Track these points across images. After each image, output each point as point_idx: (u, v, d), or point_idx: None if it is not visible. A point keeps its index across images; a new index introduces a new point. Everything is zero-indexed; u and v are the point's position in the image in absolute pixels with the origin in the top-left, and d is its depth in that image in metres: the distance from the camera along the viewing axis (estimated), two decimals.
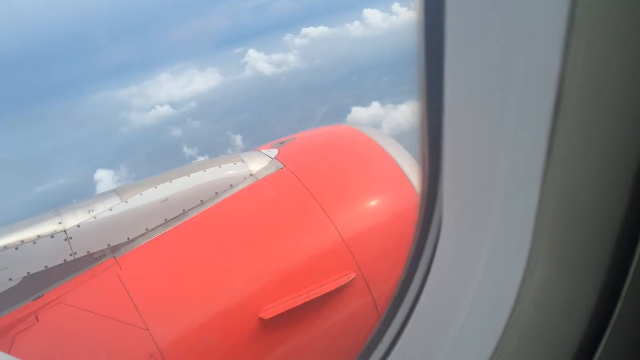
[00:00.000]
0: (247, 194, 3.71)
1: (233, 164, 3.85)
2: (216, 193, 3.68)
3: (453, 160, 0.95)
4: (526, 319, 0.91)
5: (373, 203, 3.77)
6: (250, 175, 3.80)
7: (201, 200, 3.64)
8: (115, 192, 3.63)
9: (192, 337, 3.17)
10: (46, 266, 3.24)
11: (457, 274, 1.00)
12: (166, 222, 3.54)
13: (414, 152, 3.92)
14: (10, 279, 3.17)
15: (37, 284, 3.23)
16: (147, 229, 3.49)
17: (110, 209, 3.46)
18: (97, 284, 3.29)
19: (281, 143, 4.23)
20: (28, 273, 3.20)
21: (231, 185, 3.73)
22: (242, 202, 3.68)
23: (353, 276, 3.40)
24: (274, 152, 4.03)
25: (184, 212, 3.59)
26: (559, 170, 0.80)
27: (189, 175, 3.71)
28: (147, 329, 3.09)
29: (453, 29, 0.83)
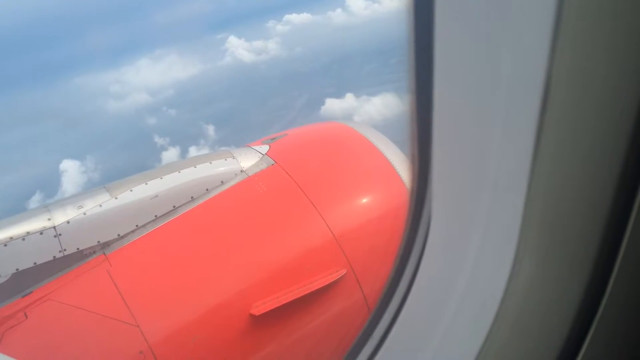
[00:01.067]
0: (238, 190, 3.70)
1: (224, 160, 3.85)
2: (207, 189, 3.67)
3: (442, 158, 0.95)
4: (514, 313, 0.93)
5: (364, 199, 3.78)
6: (241, 171, 3.80)
7: (192, 197, 3.63)
8: (105, 188, 3.61)
9: (182, 333, 3.17)
10: (35, 263, 3.22)
11: (446, 270, 1.01)
12: (156, 218, 3.53)
13: (400, 147, 3.94)
14: None
15: (26, 280, 3.21)
16: (137, 226, 3.48)
17: (100, 205, 3.45)
18: (87, 281, 3.28)
19: (272, 139, 4.23)
20: (17, 270, 3.18)
21: (222, 182, 3.72)
22: (233, 199, 3.68)
23: (344, 272, 3.41)
24: (265, 148, 4.03)
25: (175, 209, 3.58)
26: (546, 167, 0.81)
27: (179, 172, 3.70)
28: (137, 326, 3.09)
29: (442, 25, 0.83)
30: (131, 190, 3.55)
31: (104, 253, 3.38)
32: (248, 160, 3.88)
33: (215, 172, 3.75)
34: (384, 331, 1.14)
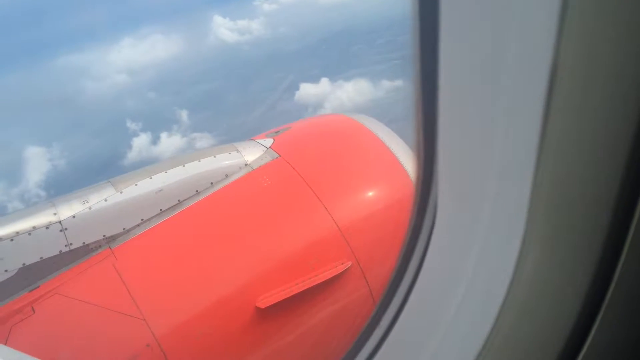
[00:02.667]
0: (243, 183, 3.70)
1: (228, 153, 3.85)
2: (211, 183, 3.68)
3: (448, 148, 0.95)
4: (521, 302, 0.92)
5: (368, 192, 3.77)
6: (246, 165, 3.80)
7: (196, 190, 3.63)
8: (110, 182, 3.62)
9: (188, 326, 3.18)
10: (42, 257, 3.23)
11: (453, 260, 1.01)
12: (162, 212, 3.54)
13: (408, 140, 3.92)
14: (5, 271, 3.17)
15: (33, 275, 3.23)
16: (142, 220, 3.49)
17: (105, 200, 3.46)
18: (93, 275, 3.29)
19: (276, 132, 4.23)
20: (24, 264, 3.20)
21: (226, 175, 3.72)
22: (237, 192, 3.68)
23: (349, 264, 3.41)
24: (269, 141, 4.03)
25: (180, 203, 3.58)
26: (552, 156, 0.80)
27: (184, 166, 3.71)
28: (144, 319, 3.10)
29: (448, 11, 0.83)
30: (136, 185, 3.56)
31: (109, 247, 3.40)
32: (252, 153, 3.88)
33: (220, 166, 3.75)
34: (390, 322, 1.14)
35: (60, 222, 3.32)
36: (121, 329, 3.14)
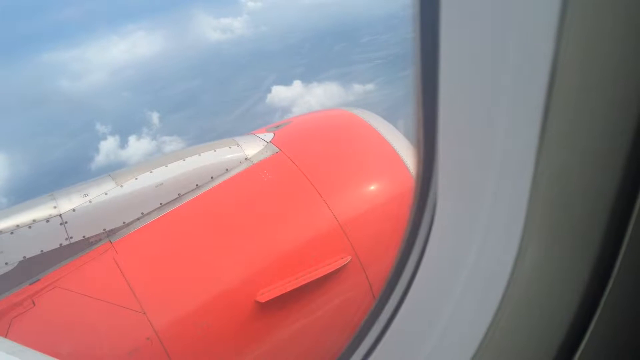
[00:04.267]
0: (243, 178, 3.71)
1: (228, 148, 3.85)
2: (212, 177, 3.68)
3: (448, 144, 0.95)
4: (519, 298, 0.93)
5: (368, 187, 3.78)
6: (246, 159, 3.80)
7: (197, 185, 3.63)
8: (110, 176, 3.62)
9: (188, 320, 3.19)
10: (42, 250, 3.24)
11: (452, 255, 1.01)
12: (162, 206, 3.54)
13: (408, 135, 3.91)
14: (6, 263, 3.17)
15: (33, 268, 3.23)
16: (142, 213, 3.49)
17: (106, 193, 3.46)
18: (93, 268, 3.30)
19: (276, 127, 4.22)
20: (24, 257, 3.20)
21: (227, 170, 3.72)
22: (237, 186, 3.68)
23: (349, 259, 3.42)
24: (269, 136, 4.02)
25: (180, 197, 3.59)
26: (551, 152, 0.81)
27: (184, 160, 3.71)
28: (144, 312, 3.11)
29: (449, 9, 0.83)
30: (136, 179, 3.56)
31: (109, 240, 3.40)
32: (253, 148, 3.88)
33: (220, 160, 3.75)
34: (389, 316, 1.15)
35: (60, 215, 3.32)
36: (121, 322, 3.15)
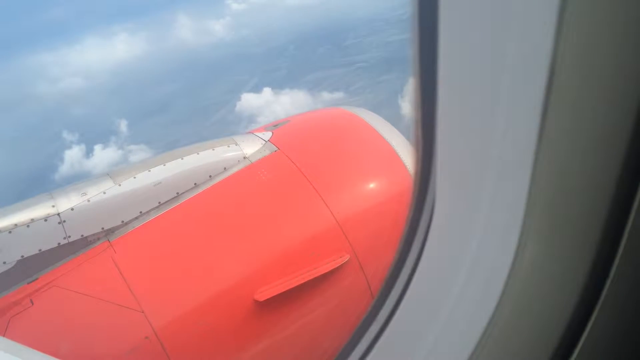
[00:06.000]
0: (241, 177, 3.70)
1: (227, 146, 3.84)
2: (210, 176, 3.67)
3: (446, 142, 0.95)
4: (518, 295, 0.93)
5: (367, 185, 3.78)
6: (244, 158, 3.79)
7: (195, 183, 3.63)
8: (108, 175, 3.62)
9: (186, 319, 3.19)
10: (40, 249, 3.23)
11: (450, 254, 1.01)
12: (160, 205, 3.54)
13: (406, 134, 3.92)
14: (4, 262, 3.17)
15: (31, 267, 3.23)
16: (141, 212, 3.49)
17: (104, 192, 3.45)
18: (92, 267, 3.30)
19: (275, 126, 4.22)
20: (22, 256, 3.20)
21: (225, 168, 3.72)
22: (236, 185, 3.68)
23: (347, 258, 3.42)
24: (267, 134, 4.02)
25: (178, 195, 3.58)
26: (550, 149, 0.81)
27: (182, 159, 3.71)
28: (142, 312, 3.11)
29: (447, 6, 0.83)
30: (134, 177, 3.56)
31: (108, 240, 3.40)
32: (251, 146, 3.87)
33: (218, 159, 3.75)
34: (388, 315, 1.15)
35: (58, 214, 3.32)
36: (119, 321, 3.15)
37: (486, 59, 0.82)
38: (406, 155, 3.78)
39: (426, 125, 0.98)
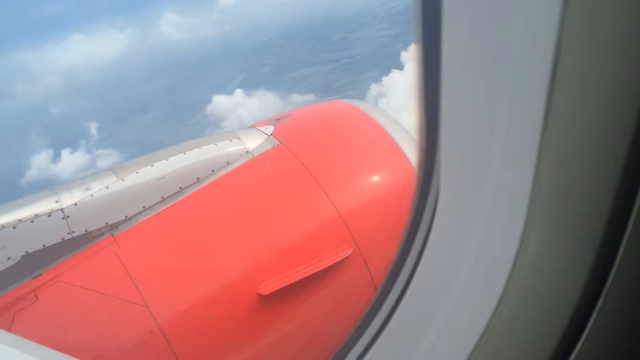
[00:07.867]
0: (244, 171, 3.70)
1: (229, 141, 3.84)
2: (213, 170, 3.68)
3: (450, 135, 0.95)
4: (521, 289, 0.93)
5: (369, 178, 3.78)
6: (247, 152, 3.79)
7: (198, 178, 3.64)
8: (111, 170, 3.62)
9: (190, 313, 3.20)
10: (44, 245, 3.25)
11: (453, 247, 1.01)
12: (163, 199, 3.54)
13: (409, 127, 3.91)
14: (8, 258, 3.18)
15: (35, 262, 3.24)
16: (144, 207, 3.50)
17: (107, 188, 3.46)
18: (96, 262, 3.31)
19: (277, 120, 4.22)
20: (26, 252, 3.21)
21: (228, 163, 3.72)
22: (238, 180, 3.68)
23: (350, 251, 3.42)
24: (270, 128, 4.02)
25: (181, 190, 3.59)
26: (554, 141, 0.80)
27: (185, 153, 3.71)
28: (146, 306, 3.12)
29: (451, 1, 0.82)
30: (137, 172, 3.57)
31: (111, 234, 3.41)
32: (253, 141, 3.87)
33: (221, 153, 3.75)
34: (391, 308, 1.15)
35: (62, 209, 3.32)
36: (124, 316, 3.16)
37: (490, 52, 0.81)
38: (409, 148, 3.78)
39: (429, 119, 0.97)
